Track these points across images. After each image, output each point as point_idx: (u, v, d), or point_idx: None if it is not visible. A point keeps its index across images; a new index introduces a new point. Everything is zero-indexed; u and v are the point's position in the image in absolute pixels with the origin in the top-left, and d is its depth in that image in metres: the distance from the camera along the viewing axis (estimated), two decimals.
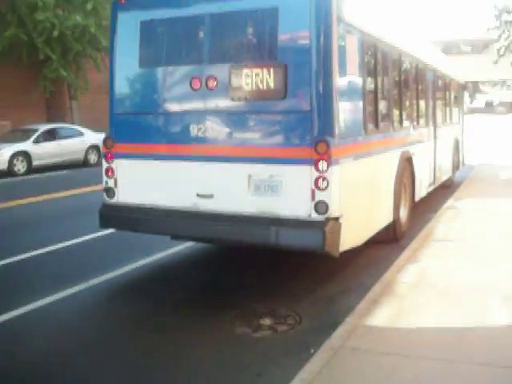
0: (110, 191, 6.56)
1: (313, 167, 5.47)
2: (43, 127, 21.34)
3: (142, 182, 6.40)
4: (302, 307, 5.67)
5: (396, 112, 8.12)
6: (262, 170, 5.74)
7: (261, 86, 5.66)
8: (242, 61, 5.82)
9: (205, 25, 5.99)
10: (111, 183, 6.54)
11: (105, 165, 6.57)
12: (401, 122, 8.28)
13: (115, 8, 6.59)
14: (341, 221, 5.60)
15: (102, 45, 29.00)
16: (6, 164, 18.51)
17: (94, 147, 21.67)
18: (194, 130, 5.99)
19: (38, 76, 28.73)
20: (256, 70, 5.65)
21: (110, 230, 7.77)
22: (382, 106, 7.48)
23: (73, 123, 29.31)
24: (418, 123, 9.46)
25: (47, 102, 30.36)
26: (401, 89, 8.43)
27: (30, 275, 7.10)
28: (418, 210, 9.56)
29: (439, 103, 11.74)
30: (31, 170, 19.13)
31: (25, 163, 19.10)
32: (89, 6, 27.71)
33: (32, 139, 19.79)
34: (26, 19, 27.19)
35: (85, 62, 30.06)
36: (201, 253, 7.98)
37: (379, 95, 7.20)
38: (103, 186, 6.61)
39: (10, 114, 29.04)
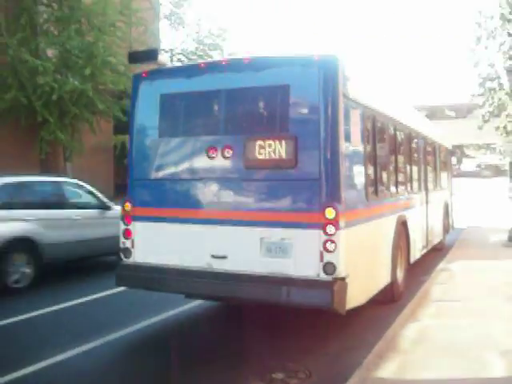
0: (126, 251, 6.95)
1: (321, 231, 5.93)
2: None
3: (158, 243, 6.80)
4: (310, 362, 5.99)
5: (392, 179, 8.68)
6: (273, 234, 6.19)
7: (273, 156, 6.18)
8: (255, 132, 6.35)
9: (221, 99, 6.55)
10: (128, 244, 6.94)
11: (123, 227, 6.98)
12: (396, 188, 8.83)
13: (137, 81, 7.16)
14: (347, 280, 6.02)
15: (98, 108, 29.81)
16: None
17: None
18: (209, 196, 6.47)
19: (34, 139, 29.28)
20: (269, 141, 6.18)
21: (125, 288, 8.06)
22: (381, 173, 8.03)
23: None
24: (411, 189, 10.02)
25: (42, 163, 30.80)
26: (396, 156, 9.03)
27: (49, 330, 7.41)
28: (413, 272, 9.97)
29: (430, 169, 12.37)
30: None
31: None
32: (87, 71, 28.53)
33: None
34: (27, 83, 27.92)
35: (81, 124, 30.77)
36: (212, 310, 8.35)
37: (378, 163, 7.75)
38: (120, 246, 7.00)
39: (5, 174, 29.41)
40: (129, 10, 32.82)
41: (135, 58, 7.47)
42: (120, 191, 34.78)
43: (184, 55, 38.79)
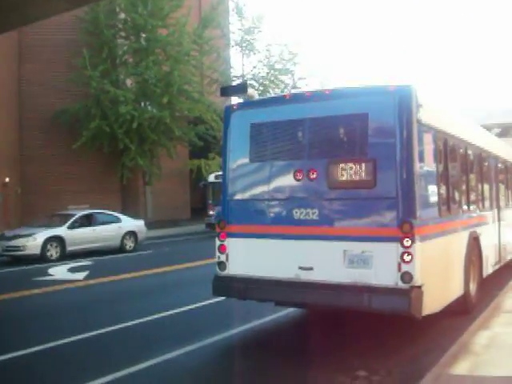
0: (221, 265, 7.79)
1: (399, 244, 6.59)
2: (81, 212, 21.43)
3: (250, 256, 7.61)
4: (390, 363, 6.62)
5: (464, 197, 9.22)
6: (355, 247, 6.88)
7: (354, 177, 6.91)
8: (337, 156, 7.11)
9: (306, 127, 7.35)
10: (223, 258, 7.78)
11: (218, 242, 7.83)
12: (468, 205, 9.35)
13: (228, 111, 8.04)
14: (423, 289, 6.63)
15: (175, 134, 31.27)
16: (39, 249, 18.34)
17: (131, 233, 21.77)
18: (296, 214, 7.24)
19: (115, 163, 30.98)
20: (350, 164, 6.92)
21: (220, 298, 8.87)
22: (453, 191, 8.59)
23: (146, 207, 31.38)
24: (483, 206, 10.48)
25: (123, 187, 32.51)
26: (468, 175, 9.56)
27: (155, 334, 8.38)
28: (486, 286, 10.37)
29: (502, 187, 12.72)
30: (65, 255, 18.87)
31: (58, 248, 18.87)
32: (164, 100, 30.10)
33: (67, 224, 19.70)
34: (109, 112, 29.73)
35: (159, 150, 32.28)
36: (297, 318, 9.12)
37: (450, 182, 8.34)
38: (216, 260, 7.85)
39: (89, 198, 31.21)
40: (202, 39, 34.44)
41: (226, 91, 8.39)
42: (196, 212, 35.99)
43: (255, 80, 39.95)
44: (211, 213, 27.51)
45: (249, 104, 8.05)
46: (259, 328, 8.55)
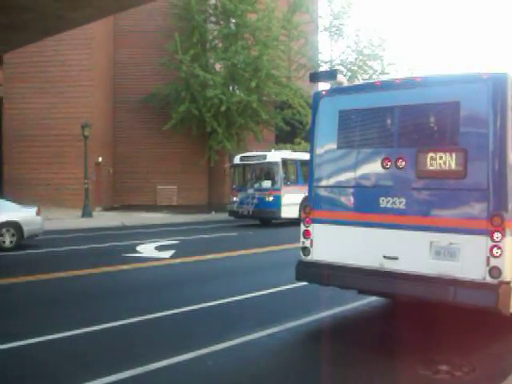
0: (305, 250, 7.84)
1: (488, 237, 6.39)
2: None
3: (334, 243, 7.61)
4: (474, 359, 6.46)
5: None
6: (442, 238, 6.74)
7: (443, 167, 6.74)
8: (427, 145, 6.95)
9: (395, 114, 7.23)
10: (307, 243, 7.82)
11: (303, 228, 7.88)
12: None
13: (317, 97, 8.03)
14: (511, 285, 6.43)
15: (262, 118, 31.51)
16: None
17: (10, 225, 16.25)
18: (383, 202, 7.16)
19: (203, 146, 31.65)
20: (440, 154, 6.76)
21: (303, 283, 8.90)
22: None
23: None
24: None
25: (210, 168, 33.18)
26: None
27: (236, 315, 8.59)
28: None
29: None
30: None
31: None
32: (253, 84, 30.38)
33: None
34: (198, 96, 30.35)
35: (246, 134, 32.66)
36: (379, 308, 9.05)
37: None
38: (300, 245, 7.91)
39: (177, 178, 32.09)
40: (290, 25, 34.44)
41: (316, 77, 8.36)
42: None
43: (343, 66, 39.52)
44: (234, 199, 25.87)
45: (338, 90, 7.99)
46: (340, 315, 8.56)
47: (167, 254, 15.15)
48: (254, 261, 14.65)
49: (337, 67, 37.70)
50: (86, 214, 27.07)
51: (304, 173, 24.73)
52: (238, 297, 9.63)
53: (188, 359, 6.41)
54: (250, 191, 25.13)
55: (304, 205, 7.98)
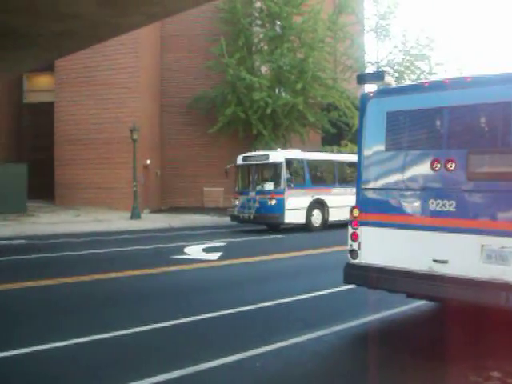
0: (353, 253, 7.78)
1: None
2: None
3: (382, 246, 7.53)
4: None
5: None
6: (493, 242, 6.58)
7: (495, 169, 6.62)
8: (477, 146, 6.83)
9: (444, 115, 7.11)
10: (355, 246, 7.77)
11: (350, 230, 7.83)
12: None
13: (364, 99, 7.97)
14: None
15: (309, 120, 31.45)
16: None
17: None
18: (432, 204, 7.05)
19: (249, 148, 31.74)
20: (491, 155, 6.63)
21: (350, 286, 8.80)
22: None
23: None
24: None
25: None
26: None
27: (282, 318, 8.57)
28: None
29: None
30: None
31: None
32: (298, 86, 30.37)
33: None
34: (244, 98, 30.53)
35: (292, 136, 32.66)
36: (428, 312, 8.93)
37: None
38: (348, 248, 7.86)
39: (224, 181, 32.27)
40: (336, 26, 34.28)
41: (363, 79, 8.31)
42: None
43: (390, 66, 39.12)
44: (237, 203, 23.96)
45: (386, 91, 7.92)
46: (388, 319, 8.46)
47: (215, 255, 15.27)
48: (303, 263, 14.60)
49: (384, 68, 37.32)
50: (135, 215, 27.51)
51: (313, 174, 24.00)
52: (286, 299, 9.62)
53: (235, 361, 6.44)
54: (252, 194, 23.33)
55: (351, 207, 7.93)
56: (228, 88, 31.29)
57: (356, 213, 7.79)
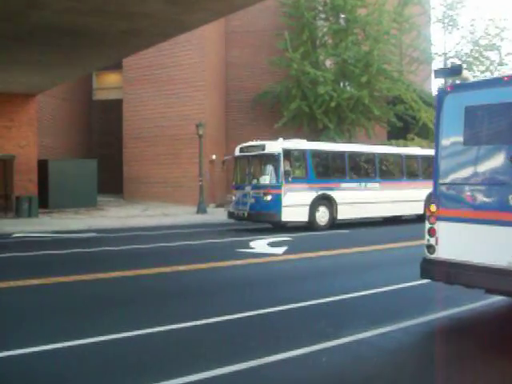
0: (430, 248, 7.67)
1: None
2: None
3: (460, 241, 7.39)
4: None
5: None
6: None
7: None
8: None
9: None
10: (432, 241, 7.65)
11: (428, 225, 7.72)
12: None
13: (441, 94, 7.84)
14: None
15: (374, 114, 31.05)
16: None
17: None
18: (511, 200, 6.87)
19: None
20: None
21: (426, 281, 8.60)
22: None
23: None
24: None
25: None
26: None
27: (348, 313, 8.56)
28: None
29: None
30: None
31: None
32: (363, 79, 30.03)
33: None
34: (308, 93, 30.44)
35: (357, 130, 32.35)
36: (502, 309, 8.73)
37: None
38: (425, 242, 7.76)
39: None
40: (402, 18, 33.66)
41: (441, 74, 8.20)
42: None
43: (458, 58, 38.15)
44: (233, 198, 22.06)
45: (463, 86, 7.75)
46: (457, 316, 8.28)
47: (280, 249, 15.33)
48: (367, 259, 14.44)
49: (451, 60, 36.42)
50: (201, 210, 27.92)
51: (318, 167, 21.77)
52: (352, 294, 9.58)
53: (301, 354, 6.44)
54: (248, 189, 21.18)
55: (429, 202, 7.82)
56: (292, 83, 31.28)
57: (433, 208, 7.69)
